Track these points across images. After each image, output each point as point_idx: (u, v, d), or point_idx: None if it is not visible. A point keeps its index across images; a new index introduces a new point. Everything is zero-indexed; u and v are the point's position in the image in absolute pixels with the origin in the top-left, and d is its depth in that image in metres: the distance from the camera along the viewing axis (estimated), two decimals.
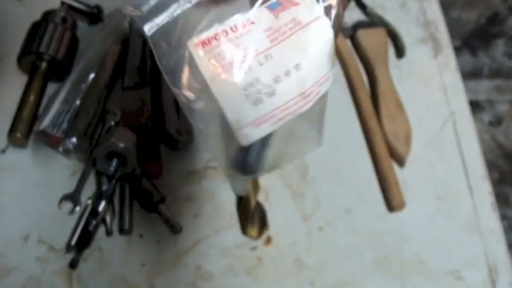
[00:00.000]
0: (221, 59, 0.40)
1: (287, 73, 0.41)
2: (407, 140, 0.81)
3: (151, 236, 0.72)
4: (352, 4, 0.92)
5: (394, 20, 0.90)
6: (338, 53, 0.86)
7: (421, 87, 0.87)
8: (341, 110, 0.83)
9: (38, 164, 0.75)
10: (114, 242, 0.71)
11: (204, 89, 0.41)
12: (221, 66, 0.40)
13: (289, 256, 0.73)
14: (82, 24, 0.83)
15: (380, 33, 0.88)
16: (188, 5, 0.42)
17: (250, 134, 0.42)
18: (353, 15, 0.91)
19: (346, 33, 0.88)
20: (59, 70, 0.77)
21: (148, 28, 0.41)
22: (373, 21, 0.89)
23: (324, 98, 0.46)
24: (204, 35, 0.41)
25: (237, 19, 0.41)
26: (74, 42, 0.80)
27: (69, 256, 0.69)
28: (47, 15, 0.79)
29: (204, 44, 0.40)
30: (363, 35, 0.87)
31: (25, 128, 0.73)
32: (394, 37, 0.89)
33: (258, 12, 0.41)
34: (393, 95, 0.83)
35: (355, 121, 0.82)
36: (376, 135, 0.79)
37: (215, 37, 0.40)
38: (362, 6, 0.91)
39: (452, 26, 0.94)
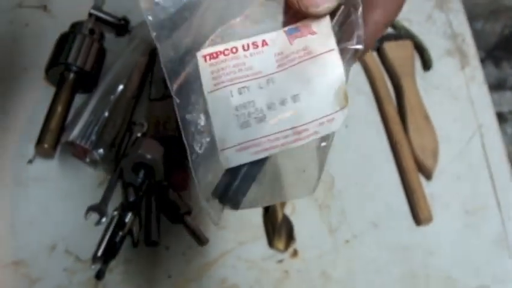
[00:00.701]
0: (223, 74, 0.39)
1: (283, 102, 0.39)
2: (435, 153, 0.80)
3: (177, 248, 0.72)
4: None
5: (421, 33, 0.90)
6: (365, 66, 0.86)
7: (448, 99, 0.86)
8: (368, 122, 0.83)
9: (65, 174, 0.75)
10: (141, 254, 0.71)
11: (203, 103, 0.39)
12: (221, 82, 0.39)
13: (316, 269, 0.72)
14: (109, 36, 0.83)
15: (407, 45, 0.87)
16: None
17: (231, 158, 0.39)
18: None
19: None
20: (87, 81, 0.78)
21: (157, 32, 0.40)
22: (400, 33, 0.89)
23: (326, 144, 0.42)
24: (214, 48, 0.40)
25: (253, 38, 0.40)
26: (101, 53, 0.80)
27: (96, 267, 0.69)
28: (75, 27, 0.80)
29: (211, 56, 0.39)
30: (389, 47, 0.87)
31: (53, 139, 0.73)
32: (420, 49, 0.88)
33: (275, 34, 0.40)
34: (420, 108, 0.82)
35: (382, 134, 0.82)
36: (403, 148, 0.79)
37: (224, 52, 0.39)
38: None
39: (476, 38, 0.93)
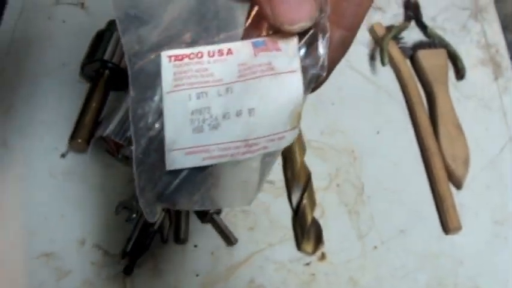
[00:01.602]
0: (185, 77, 0.39)
1: (238, 113, 0.38)
2: (466, 162, 0.80)
3: (205, 247, 0.72)
4: (413, 24, 0.92)
5: (455, 42, 0.90)
6: (397, 73, 0.86)
7: (481, 109, 0.86)
8: (399, 129, 0.83)
9: (96, 170, 0.76)
10: (169, 251, 0.71)
11: (158, 101, 0.39)
12: (182, 84, 0.38)
13: (343, 274, 0.72)
14: None
15: (440, 54, 0.87)
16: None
17: (178, 160, 0.39)
18: (413, 35, 0.91)
19: (406, 53, 0.88)
20: (121, 78, 0.79)
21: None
22: (434, 42, 0.89)
23: (270, 160, 0.42)
24: (180, 51, 0.39)
25: (220, 46, 0.39)
26: None
27: (124, 262, 0.70)
28: (112, 24, 0.81)
29: (176, 58, 0.39)
30: (423, 55, 0.86)
31: (86, 134, 0.74)
32: (454, 58, 0.88)
33: (241, 44, 0.39)
34: (452, 116, 0.82)
35: (413, 141, 0.82)
36: (434, 156, 0.79)
37: (189, 56, 0.39)
38: (423, 27, 0.91)
39: (510, 49, 0.93)
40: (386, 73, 0.87)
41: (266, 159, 0.41)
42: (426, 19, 0.92)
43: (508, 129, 0.84)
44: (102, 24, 0.82)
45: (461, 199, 0.78)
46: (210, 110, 0.38)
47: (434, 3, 0.94)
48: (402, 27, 0.90)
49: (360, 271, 0.73)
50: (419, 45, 0.88)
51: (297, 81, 0.39)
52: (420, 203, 0.78)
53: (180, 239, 0.71)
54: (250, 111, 0.38)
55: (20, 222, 0.71)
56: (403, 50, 0.88)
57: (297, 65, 0.39)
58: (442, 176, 0.78)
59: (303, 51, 0.40)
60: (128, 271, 0.69)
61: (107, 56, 0.77)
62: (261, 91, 0.39)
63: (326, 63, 0.40)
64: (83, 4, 0.88)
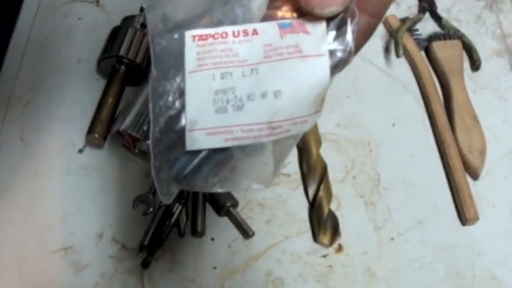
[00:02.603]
0: (209, 57, 0.38)
1: (263, 95, 0.38)
2: (482, 153, 0.79)
3: (223, 240, 0.72)
4: (427, 16, 0.91)
5: (469, 33, 0.89)
6: (412, 65, 0.86)
7: (497, 100, 0.85)
8: (415, 121, 0.83)
9: (113, 164, 0.76)
10: (186, 244, 0.72)
11: (180, 80, 0.38)
12: (205, 64, 0.38)
13: (360, 265, 0.72)
14: None
15: (455, 45, 0.87)
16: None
17: (199, 140, 0.38)
18: (428, 27, 0.91)
19: (421, 45, 0.87)
20: (137, 74, 0.79)
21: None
22: (449, 33, 0.88)
23: (291, 143, 0.42)
24: (204, 31, 0.39)
25: (244, 26, 0.39)
26: None
27: (142, 255, 0.70)
28: (127, 21, 0.82)
29: (200, 38, 0.39)
30: (438, 47, 0.86)
31: (103, 129, 0.75)
32: (469, 50, 0.88)
33: (267, 25, 0.39)
34: (468, 108, 0.82)
35: (429, 132, 0.82)
36: (450, 147, 0.78)
37: (214, 35, 0.39)
38: (437, 18, 0.91)
39: None
40: (401, 65, 0.87)
41: (286, 142, 0.41)
42: (441, 10, 0.92)
43: None
44: (117, 21, 0.83)
45: (478, 190, 0.78)
46: (235, 90, 0.38)
47: None
48: (416, 19, 0.90)
49: (377, 263, 0.72)
50: (434, 37, 0.88)
51: (324, 65, 0.39)
52: (437, 194, 0.78)
53: (197, 232, 0.71)
54: (276, 93, 0.38)
55: (38, 217, 0.72)
56: (417, 41, 0.88)
57: (325, 48, 0.39)
58: (459, 166, 0.77)
59: (331, 34, 0.39)
60: (145, 264, 0.70)
61: (122, 52, 0.78)
62: (287, 73, 0.38)
63: (353, 48, 0.39)
64: (98, 1, 0.89)
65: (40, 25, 0.86)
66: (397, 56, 0.84)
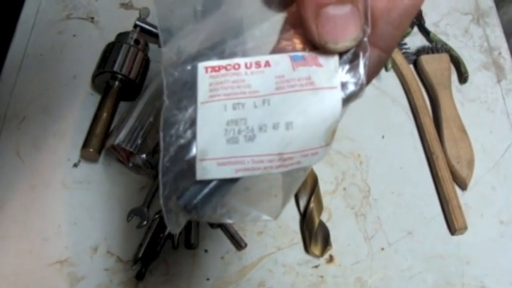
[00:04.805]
0: (221, 88, 0.38)
1: (275, 126, 0.38)
2: (470, 163, 0.81)
3: (216, 251, 0.74)
4: (415, 30, 0.93)
5: (457, 46, 0.91)
6: (401, 78, 0.87)
7: (484, 112, 0.87)
8: (404, 133, 0.84)
9: (108, 178, 0.78)
10: (180, 256, 0.73)
11: (193, 111, 0.39)
12: (217, 95, 0.38)
13: (351, 275, 0.73)
14: (153, 46, 0.86)
15: (443, 58, 0.88)
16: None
17: (209, 170, 0.38)
18: (416, 41, 0.93)
19: (409, 58, 0.89)
20: (131, 89, 0.81)
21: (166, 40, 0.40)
22: (436, 46, 0.90)
23: (301, 175, 0.41)
24: (217, 62, 0.39)
25: (257, 58, 0.39)
26: (145, 63, 0.83)
27: (136, 268, 0.71)
28: (121, 37, 0.83)
29: (213, 69, 0.39)
30: (426, 60, 0.88)
31: (98, 144, 0.76)
32: (457, 63, 0.89)
33: (279, 57, 0.39)
34: (456, 120, 0.83)
35: (418, 144, 0.83)
36: (439, 159, 0.80)
37: (226, 67, 0.39)
38: (425, 32, 0.92)
39: (511, 51, 0.94)
40: (390, 79, 0.89)
41: (296, 174, 0.41)
42: (429, 25, 0.94)
43: None
44: (111, 37, 0.84)
45: (466, 200, 0.79)
46: (246, 121, 0.38)
47: (436, 9, 0.96)
48: (405, 33, 0.91)
49: (368, 272, 0.74)
50: (422, 51, 0.90)
51: (336, 97, 0.38)
52: (426, 204, 0.79)
53: (191, 244, 0.73)
54: (288, 124, 0.38)
55: (34, 230, 0.73)
56: (406, 55, 0.89)
57: (337, 81, 0.39)
58: (447, 177, 0.79)
59: (344, 68, 0.39)
60: (140, 276, 0.71)
61: (116, 68, 0.79)
62: (299, 105, 0.38)
63: (365, 81, 0.39)
64: (92, 18, 0.90)
65: (36, 41, 0.87)
66: (386, 69, 0.85)
